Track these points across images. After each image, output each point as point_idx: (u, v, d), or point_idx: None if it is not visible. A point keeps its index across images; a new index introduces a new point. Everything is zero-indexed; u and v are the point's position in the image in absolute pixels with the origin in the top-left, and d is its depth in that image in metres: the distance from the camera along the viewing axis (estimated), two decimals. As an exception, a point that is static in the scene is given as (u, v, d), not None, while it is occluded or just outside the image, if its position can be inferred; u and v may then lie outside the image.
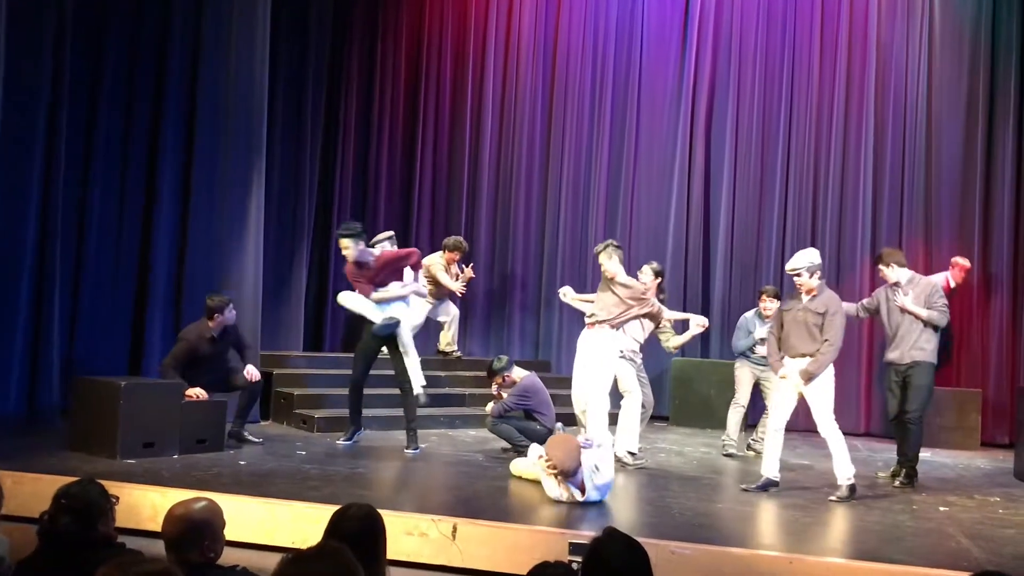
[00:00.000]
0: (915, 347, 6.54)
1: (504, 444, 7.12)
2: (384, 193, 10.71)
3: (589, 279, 10.54)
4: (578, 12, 10.75)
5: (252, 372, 7.00)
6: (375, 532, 2.88)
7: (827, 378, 5.97)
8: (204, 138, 8.09)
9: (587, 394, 6.64)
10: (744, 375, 7.82)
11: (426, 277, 8.71)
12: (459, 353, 9.50)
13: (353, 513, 2.90)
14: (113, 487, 3.63)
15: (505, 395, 7.13)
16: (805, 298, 6.09)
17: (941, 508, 5.84)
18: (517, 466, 6.14)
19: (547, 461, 5.40)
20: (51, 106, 7.24)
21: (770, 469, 6.01)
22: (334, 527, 2.85)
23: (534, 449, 6.12)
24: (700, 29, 10.41)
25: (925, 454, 6.93)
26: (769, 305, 7.60)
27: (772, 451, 6.04)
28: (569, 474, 5.33)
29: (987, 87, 9.66)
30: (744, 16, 10.40)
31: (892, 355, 6.67)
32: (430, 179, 10.84)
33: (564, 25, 10.75)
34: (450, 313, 9.37)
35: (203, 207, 8.04)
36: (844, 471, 5.90)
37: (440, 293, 9.08)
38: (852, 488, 5.89)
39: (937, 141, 9.80)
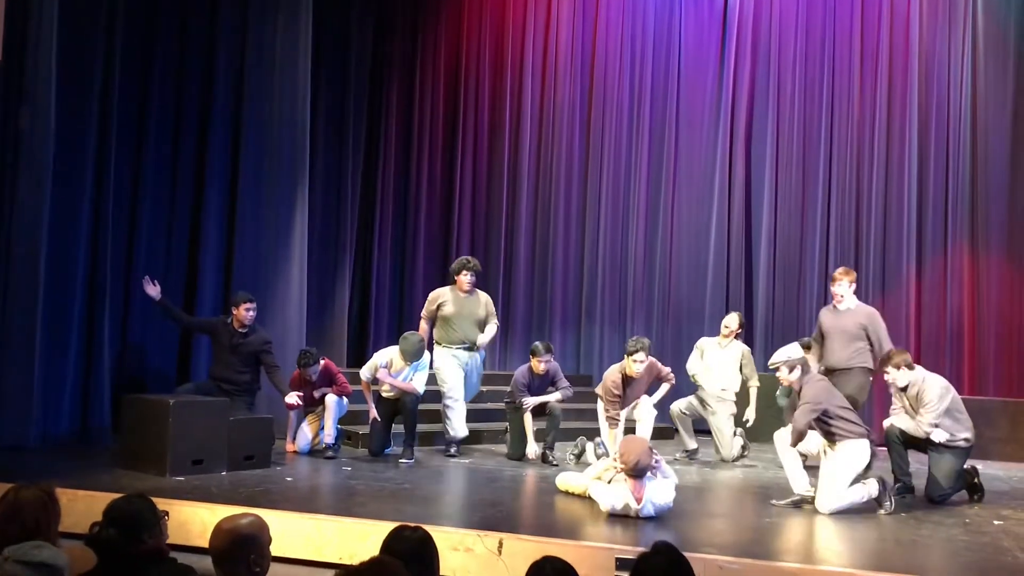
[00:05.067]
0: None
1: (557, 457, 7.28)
2: (424, 210, 10.80)
3: (629, 292, 10.52)
4: (615, 26, 10.76)
5: (290, 399, 6.99)
6: (428, 555, 2.89)
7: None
8: (249, 158, 8.27)
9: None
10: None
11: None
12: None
13: (407, 535, 2.91)
14: (163, 504, 3.69)
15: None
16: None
17: (995, 522, 5.71)
18: (563, 480, 6.12)
19: (621, 456, 5.39)
20: (100, 132, 7.44)
21: (801, 485, 5.92)
22: (387, 548, 2.86)
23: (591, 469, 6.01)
24: (738, 40, 10.36)
25: (977, 465, 6.78)
26: (811, 359, 7.31)
27: (796, 466, 5.94)
28: (639, 472, 5.30)
29: (1034, 91, 9.52)
30: (783, 25, 10.33)
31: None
32: (470, 195, 10.90)
33: (601, 39, 10.77)
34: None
35: (249, 227, 8.21)
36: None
37: None
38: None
39: (983, 146, 9.64)
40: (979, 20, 9.74)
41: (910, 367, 6.25)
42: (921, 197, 9.81)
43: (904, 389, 6.26)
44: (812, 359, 7.35)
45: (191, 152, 8.30)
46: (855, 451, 5.77)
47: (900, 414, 6.32)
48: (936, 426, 6.11)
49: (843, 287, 7.05)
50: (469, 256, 8.04)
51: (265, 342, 7.24)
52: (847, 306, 7.07)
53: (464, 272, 7.60)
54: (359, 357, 10.08)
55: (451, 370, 7.48)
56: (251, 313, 7.21)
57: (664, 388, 7.46)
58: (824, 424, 5.82)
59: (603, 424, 7.20)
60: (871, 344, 6.98)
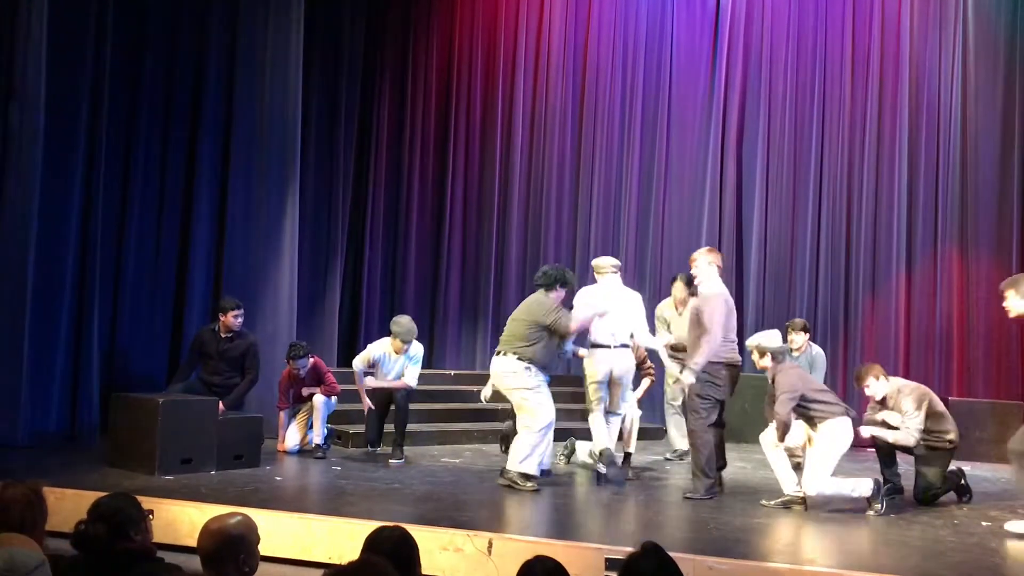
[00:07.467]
0: None
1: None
2: (416, 209, 10.77)
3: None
4: (607, 27, 10.76)
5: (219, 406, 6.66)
6: (409, 553, 2.90)
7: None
8: (239, 157, 8.25)
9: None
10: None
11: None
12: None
13: (386, 535, 2.92)
14: (152, 503, 3.68)
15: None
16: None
17: (983, 523, 5.73)
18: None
19: None
20: (90, 130, 7.41)
21: (790, 486, 5.96)
22: (369, 548, 2.86)
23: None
24: (730, 41, 10.37)
25: (965, 467, 6.81)
26: (796, 339, 7.75)
27: (784, 466, 6.00)
28: None
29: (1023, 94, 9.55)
30: (775, 28, 10.35)
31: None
32: (461, 195, 10.86)
33: (593, 40, 10.76)
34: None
35: (239, 226, 8.19)
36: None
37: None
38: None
39: (973, 149, 9.68)
40: (970, 24, 9.78)
41: (886, 378, 6.34)
42: (911, 199, 9.85)
43: (882, 402, 6.33)
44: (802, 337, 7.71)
45: (181, 151, 8.27)
46: (838, 429, 5.83)
47: (878, 413, 6.37)
48: (922, 429, 6.17)
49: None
50: None
51: (251, 344, 7.25)
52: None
53: None
54: (350, 357, 10.02)
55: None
56: (239, 320, 7.22)
57: (645, 383, 7.53)
58: (803, 409, 5.88)
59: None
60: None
